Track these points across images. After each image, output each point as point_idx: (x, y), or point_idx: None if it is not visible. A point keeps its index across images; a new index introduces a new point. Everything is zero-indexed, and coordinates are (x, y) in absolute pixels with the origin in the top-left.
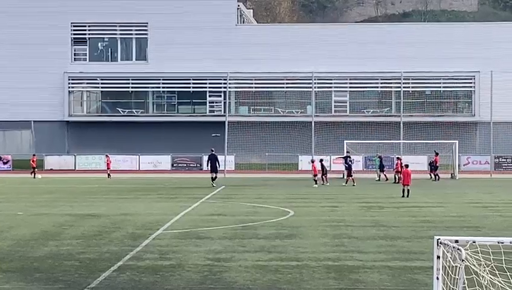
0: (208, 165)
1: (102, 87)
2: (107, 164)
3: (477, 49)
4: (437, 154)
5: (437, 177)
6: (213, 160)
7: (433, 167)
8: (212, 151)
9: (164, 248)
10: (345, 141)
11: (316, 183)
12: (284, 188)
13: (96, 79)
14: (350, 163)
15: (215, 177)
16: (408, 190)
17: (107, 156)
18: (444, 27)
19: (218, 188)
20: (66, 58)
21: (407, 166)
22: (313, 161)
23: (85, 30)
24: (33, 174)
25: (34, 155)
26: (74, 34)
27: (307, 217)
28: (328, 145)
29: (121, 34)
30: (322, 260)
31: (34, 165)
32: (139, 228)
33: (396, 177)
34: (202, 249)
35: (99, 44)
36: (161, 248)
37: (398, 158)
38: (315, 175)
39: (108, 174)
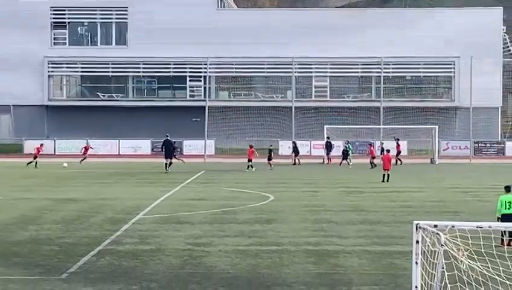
0: (162, 150)
1: (82, 72)
2: (85, 150)
3: (458, 35)
4: (398, 139)
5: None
6: (168, 146)
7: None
8: (167, 136)
9: (144, 233)
10: (325, 126)
11: (248, 168)
12: (263, 173)
13: (76, 63)
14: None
15: (170, 163)
16: (388, 175)
17: (87, 143)
18: (424, 12)
19: (198, 172)
20: (45, 42)
21: (388, 151)
22: (251, 146)
23: (64, 14)
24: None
25: (41, 145)
26: (54, 18)
27: (286, 201)
28: (308, 130)
29: (100, 18)
30: (302, 245)
31: (37, 154)
32: (118, 213)
33: (372, 163)
34: (182, 233)
35: (79, 28)
36: (141, 232)
37: (370, 144)
38: (249, 160)
39: (83, 159)
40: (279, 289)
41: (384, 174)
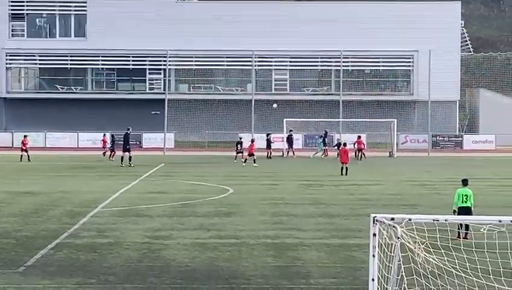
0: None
1: (40, 64)
2: (103, 143)
3: (416, 29)
4: (359, 137)
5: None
6: (127, 139)
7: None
8: (128, 130)
9: (102, 226)
10: (285, 119)
11: (246, 161)
12: (223, 166)
13: (34, 55)
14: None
15: (130, 157)
16: (346, 168)
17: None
18: (383, 6)
19: (158, 166)
20: (3, 34)
21: (345, 144)
22: (252, 141)
23: (23, 6)
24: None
25: (25, 136)
26: (12, 10)
27: (246, 195)
28: (268, 123)
29: (59, 10)
30: (261, 238)
31: (25, 147)
32: (77, 206)
33: (358, 154)
34: (141, 227)
35: (38, 20)
36: (99, 225)
37: (359, 137)
38: (251, 154)
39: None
40: (237, 282)
41: (342, 167)
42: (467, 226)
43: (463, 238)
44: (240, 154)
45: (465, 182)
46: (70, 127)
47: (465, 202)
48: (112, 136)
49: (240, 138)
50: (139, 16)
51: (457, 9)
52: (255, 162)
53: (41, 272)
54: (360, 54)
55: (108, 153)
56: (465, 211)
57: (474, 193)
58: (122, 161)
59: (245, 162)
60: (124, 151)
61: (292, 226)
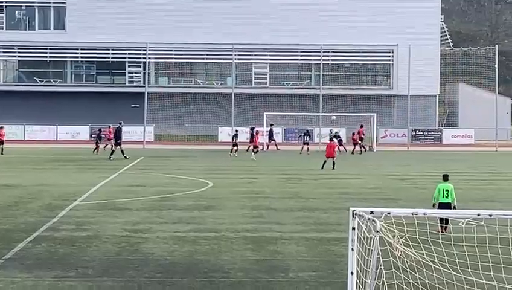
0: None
1: (19, 57)
2: (109, 134)
3: (396, 23)
4: (362, 126)
5: (362, 149)
6: (119, 133)
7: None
8: (120, 124)
9: (81, 219)
10: (265, 113)
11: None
12: (203, 160)
13: (13, 48)
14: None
15: (113, 151)
16: (333, 162)
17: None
18: (364, 0)
19: (137, 159)
20: None
21: (331, 139)
22: (257, 133)
23: None
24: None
25: (2, 128)
26: None
27: (226, 188)
28: (248, 117)
29: (38, 2)
30: (240, 231)
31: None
32: (56, 199)
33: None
34: (120, 220)
35: (17, 12)
36: (78, 219)
37: (361, 126)
38: (255, 147)
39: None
40: (216, 276)
41: (325, 161)
42: (446, 220)
43: (441, 232)
44: (236, 147)
45: (445, 177)
46: (49, 120)
47: (446, 197)
48: (99, 130)
49: (236, 131)
50: (118, 9)
51: (437, 3)
52: (253, 155)
53: (19, 265)
54: (340, 48)
55: (109, 145)
56: (445, 206)
57: (454, 187)
58: (123, 153)
59: (252, 152)
60: (115, 145)
61: (271, 220)
